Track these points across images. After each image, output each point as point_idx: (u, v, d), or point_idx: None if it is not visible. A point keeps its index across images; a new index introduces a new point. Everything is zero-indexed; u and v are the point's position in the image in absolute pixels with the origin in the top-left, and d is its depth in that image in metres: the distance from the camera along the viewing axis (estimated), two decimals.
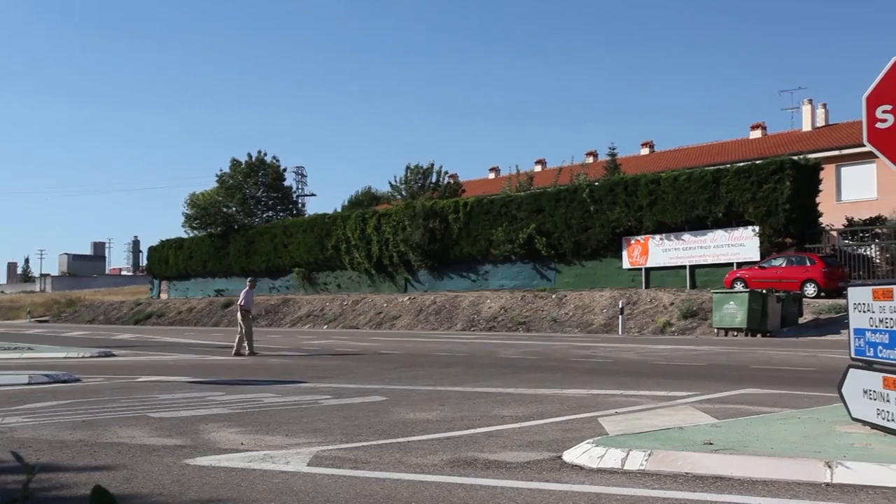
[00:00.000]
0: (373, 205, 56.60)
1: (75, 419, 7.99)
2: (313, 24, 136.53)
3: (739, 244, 28.89)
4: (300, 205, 60.91)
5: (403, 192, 46.12)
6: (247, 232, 49.23)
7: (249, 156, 54.36)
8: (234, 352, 18.43)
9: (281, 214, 55.16)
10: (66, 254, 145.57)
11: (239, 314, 18.81)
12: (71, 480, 5.26)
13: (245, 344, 18.46)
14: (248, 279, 20.55)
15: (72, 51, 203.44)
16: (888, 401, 5.72)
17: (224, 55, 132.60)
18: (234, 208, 52.74)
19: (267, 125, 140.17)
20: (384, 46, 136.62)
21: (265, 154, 55.00)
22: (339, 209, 58.65)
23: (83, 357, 18.02)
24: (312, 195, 74.18)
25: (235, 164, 53.81)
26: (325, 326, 36.84)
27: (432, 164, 46.78)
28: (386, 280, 41.00)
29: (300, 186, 69.72)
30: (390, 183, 47.59)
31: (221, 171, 53.62)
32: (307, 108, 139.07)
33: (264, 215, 54.78)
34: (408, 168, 46.52)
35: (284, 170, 56.86)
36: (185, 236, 54.31)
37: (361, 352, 19.28)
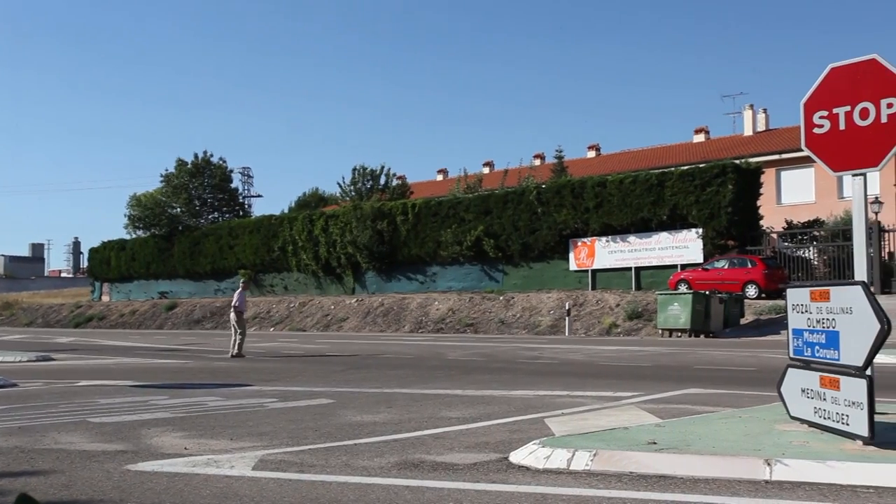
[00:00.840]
0: (320, 206, 56.34)
1: (11, 425, 7.77)
2: (258, 25, 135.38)
3: (683, 246, 29.38)
4: (246, 206, 60.36)
5: (352, 194, 45.95)
6: (192, 233, 48.51)
7: (196, 156, 53.68)
8: (231, 354, 18.25)
9: (227, 215, 54.57)
10: (2, 255, 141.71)
11: (233, 315, 18.75)
12: (6, 488, 5.11)
13: (237, 345, 18.41)
14: (241, 280, 20.46)
15: (9, 49, 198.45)
16: (825, 399, 5.86)
17: (169, 55, 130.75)
18: (179, 209, 51.96)
19: (213, 126, 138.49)
20: (331, 48, 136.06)
21: (211, 155, 54.39)
22: (286, 210, 58.27)
23: (20, 361, 17.52)
24: (259, 196, 73.78)
25: (181, 164, 53.04)
26: (272, 329, 36.47)
27: (382, 166, 46.71)
28: (333, 282, 40.78)
29: (247, 187, 69.14)
30: (338, 184, 47.42)
31: (166, 170, 52.89)
32: (254, 109, 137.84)
33: (210, 216, 54.10)
34: (355, 170, 46.36)
35: (231, 171, 56.29)
36: (128, 237, 53.31)
37: (308, 354, 19.14)
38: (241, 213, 56.07)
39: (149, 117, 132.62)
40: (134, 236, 52.78)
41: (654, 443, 5.78)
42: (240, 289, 19.39)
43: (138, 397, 10.19)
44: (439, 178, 64.06)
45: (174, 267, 48.58)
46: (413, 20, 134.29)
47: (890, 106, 6.41)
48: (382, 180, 46.73)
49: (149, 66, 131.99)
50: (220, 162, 54.81)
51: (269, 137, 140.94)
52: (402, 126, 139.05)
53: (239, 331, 18.47)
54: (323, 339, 26.92)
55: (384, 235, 37.61)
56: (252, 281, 44.24)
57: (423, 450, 6.26)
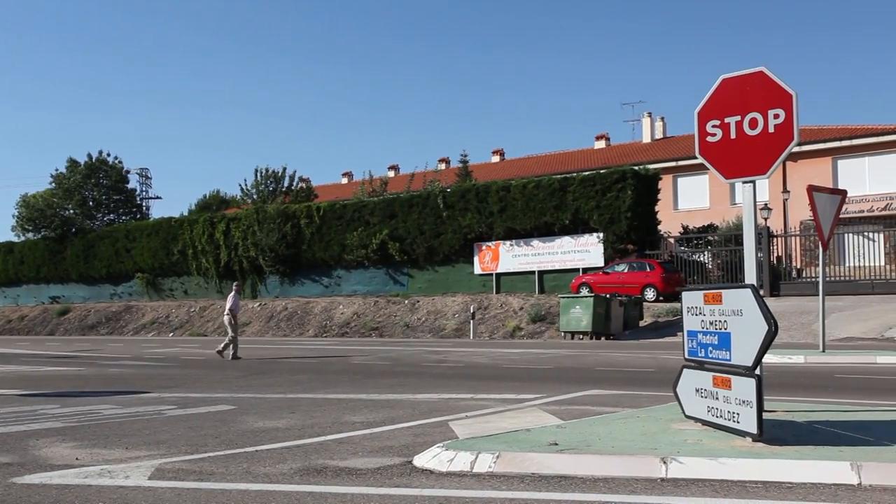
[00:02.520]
0: (222, 209, 55.22)
1: None
2: (154, 21, 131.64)
3: (585, 250, 30.00)
4: (145, 208, 58.63)
5: (255, 196, 45.16)
6: (86, 236, 46.68)
7: (89, 156, 51.84)
8: (230, 355, 18.73)
9: (124, 218, 52.85)
10: None
11: (226, 318, 19.36)
12: None
13: (231, 347, 18.83)
14: (234, 283, 20.76)
15: None
16: (717, 398, 6.06)
17: (60, 52, 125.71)
18: (72, 210, 50.03)
19: (108, 125, 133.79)
20: (229, 49, 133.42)
21: (107, 154, 52.64)
22: (186, 213, 56.83)
23: None
24: (158, 198, 72.09)
25: (73, 164, 51.14)
26: (171, 334, 35.51)
27: (284, 168, 46.05)
28: None
29: (145, 189, 67.17)
30: (240, 186, 46.55)
31: (57, 171, 50.88)
32: (153, 109, 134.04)
33: (105, 218, 52.29)
34: (257, 171, 45.59)
35: (127, 171, 54.62)
36: (16, 240, 51.03)
37: (209, 359, 18.70)
38: (138, 215, 54.40)
39: (36, 117, 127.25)
40: (23, 238, 50.55)
41: (556, 444, 5.87)
42: (232, 293, 19.73)
43: (26, 406, 9.75)
44: (344, 181, 63.70)
45: (67, 270, 46.69)
46: (318, 26, 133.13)
47: (777, 116, 6.69)
48: (286, 182, 46.09)
49: (38, 63, 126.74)
50: (116, 162, 53.12)
51: (170, 138, 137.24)
52: (307, 129, 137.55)
53: (231, 334, 19.00)
54: None
55: (288, 239, 37.11)
56: (151, 285, 43.05)
57: (326, 455, 6.19)
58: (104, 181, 52.12)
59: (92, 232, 47.26)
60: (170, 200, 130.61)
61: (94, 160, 51.84)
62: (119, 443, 6.93)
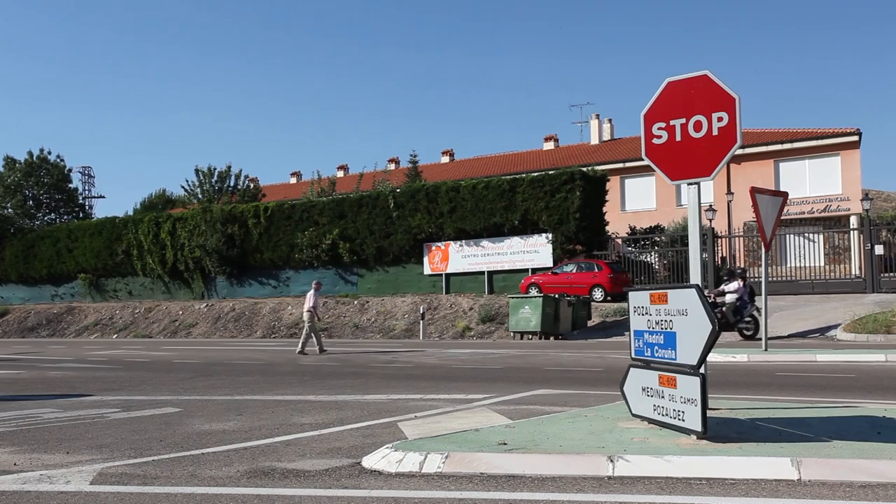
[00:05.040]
0: (167, 208, 54.31)
1: None
2: (97, 14, 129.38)
3: (534, 251, 30.19)
4: (87, 207, 57.39)
5: (200, 196, 44.52)
6: (25, 235, 45.45)
7: (30, 154, 50.59)
8: (318, 349, 19.93)
9: (66, 217, 51.66)
10: None
11: (306, 315, 20.25)
12: None
13: (309, 342, 20.05)
14: (314, 282, 21.59)
15: None
16: (663, 397, 6.15)
17: (1, 47, 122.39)
18: (10, 210, 48.76)
19: (49, 122, 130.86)
20: (178, 46, 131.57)
21: (48, 153, 51.40)
22: (130, 212, 55.78)
23: None
24: (101, 197, 70.60)
25: (11, 162, 49.87)
26: (115, 336, 34.84)
27: (229, 167, 45.47)
28: (182, 287, 39.39)
29: (87, 188, 65.81)
30: (182, 186, 45.88)
31: None
32: (96, 105, 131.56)
33: (46, 218, 51.06)
34: (198, 170, 44.89)
35: (69, 170, 53.39)
36: None
37: (154, 361, 18.38)
38: (81, 214, 53.22)
39: None
40: None
41: (505, 443, 5.89)
42: (311, 290, 20.60)
43: None
44: (293, 180, 63.22)
45: (5, 271, 45.42)
46: (260, 23, 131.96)
47: (720, 120, 6.80)
48: (232, 181, 45.54)
49: None
50: (58, 160, 51.92)
51: (113, 136, 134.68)
52: (255, 129, 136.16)
53: (309, 329, 20.05)
54: (170, 346, 25.94)
55: (235, 239, 36.67)
56: (94, 286, 42.15)
57: (273, 457, 6.13)
58: (45, 180, 50.92)
59: (32, 232, 46.05)
60: (114, 200, 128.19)
61: (34, 158, 50.63)
62: (59, 447, 6.77)
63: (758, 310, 20.08)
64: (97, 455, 6.36)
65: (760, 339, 16.88)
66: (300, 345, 19.91)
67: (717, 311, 19.41)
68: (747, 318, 20.51)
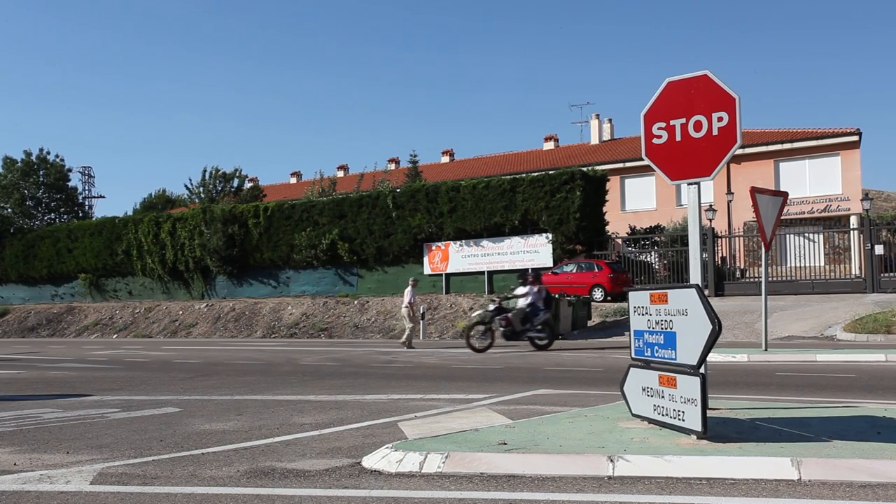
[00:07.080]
0: (167, 208, 54.35)
1: None
2: (97, 14, 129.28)
3: (534, 251, 30.17)
4: (87, 207, 57.42)
5: (202, 196, 44.54)
6: (25, 235, 45.42)
7: (27, 154, 50.60)
8: (405, 345, 21.29)
9: (65, 217, 51.65)
10: None
11: (404, 310, 21.88)
12: None
13: (412, 337, 21.44)
14: (411, 279, 23.21)
15: None
16: (663, 397, 6.15)
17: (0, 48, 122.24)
18: (9, 210, 48.75)
19: (49, 122, 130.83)
20: (178, 46, 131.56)
21: (47, 152, 51.41)
22: (130, 212, 55.82)
23: None
24: (101, 197, 70.54)
25: (10, 162, 49.88)
26: (115, 336, 34.83)
27: (236, 170, 45.58)
28: (182, 287, 39.38)
29: (87, 188, 65.82)
30: (186, 186, 45.90)
31: None
32: (95, 105, 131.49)
33: (45, 218, 51.05)
34: (205, 171, 45.00)
35: (69, 170, 53.41)
36: None
37: (154, 361, 18.38)
38: (81, 214, 53.22)
39: None
40: None
41: (505, 443, 5.89)
42: (409, 287, 22.37)
43: None
44: (293, 180, 63.25)
45: (5, 271, 45.41)
46: (260, 27, 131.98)
47: (720, 119, 6.80)
48: (236, 183, 45.63)
49: None
50: (57, 160, 51.92)
51: (113, 136, 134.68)
52: (255, 128, 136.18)
53: (410, 325, 21.55)
54: (170, 346, 25.94)
55: (235, 239, 36.65)
56: (94, 286, 42.14)
57: (273, 457, 6.13)
58: (44, 179, 50.91)
59: (31, 232, 46.03)
60: (114, 200, 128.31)
61: (33, 158, 50.63)
62: (59, 447, 6.77)
63: (555, 318, 19.96)
64: (97, 455, 6.36)
65: (553, 349, 16.45)
66: (405, 338, 21.23)
67: (501, 318, 19.13)
68: (539, 326, 19.26)
